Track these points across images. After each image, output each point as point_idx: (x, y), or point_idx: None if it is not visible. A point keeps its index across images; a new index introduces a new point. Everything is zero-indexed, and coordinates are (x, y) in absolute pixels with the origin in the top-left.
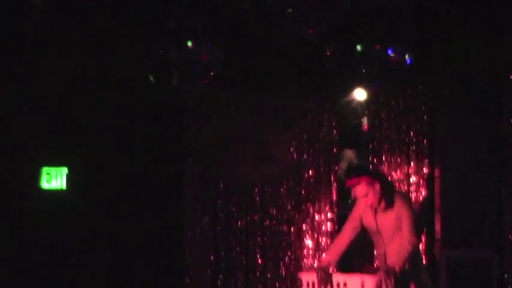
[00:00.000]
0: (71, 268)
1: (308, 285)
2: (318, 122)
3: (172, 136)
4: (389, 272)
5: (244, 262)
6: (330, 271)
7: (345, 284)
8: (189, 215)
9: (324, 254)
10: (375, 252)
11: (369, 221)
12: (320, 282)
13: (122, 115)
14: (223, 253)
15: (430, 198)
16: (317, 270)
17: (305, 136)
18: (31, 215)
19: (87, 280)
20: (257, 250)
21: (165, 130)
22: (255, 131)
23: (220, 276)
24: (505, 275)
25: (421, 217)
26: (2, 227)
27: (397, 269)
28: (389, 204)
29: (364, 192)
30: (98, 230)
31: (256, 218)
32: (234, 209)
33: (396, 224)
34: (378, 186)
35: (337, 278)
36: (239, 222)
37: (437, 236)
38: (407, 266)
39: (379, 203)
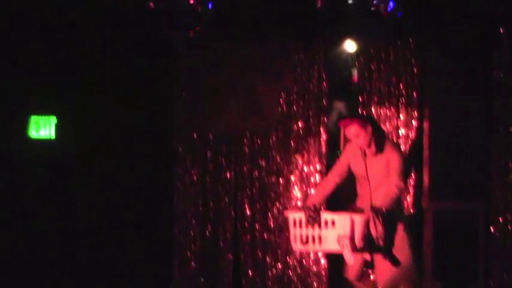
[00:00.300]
0: (60, 216)
1: (295, 223)
2: (307, 73)
3: (161, 87)
4: (377, 211)
5: (233, 213)
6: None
7: (333, 222)
8: (179, 165)
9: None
10: (358, 200)
11: (359, 166)
12: (308, 220)
13: (111, 65)
14: (212, 204)
15: (418, 150)
16: (304, 209)
17: (295, 87)
18: (19, 164)
19: (74, 225)
20: (246, 201)
21: (155, 81)
22: (245, 82)
23: (209, 226)
24: (491, 228)
25: (408, 165)
26: None
27: (384, 209)
28: (380, 149)
29: (356, 133)
30: (86, 178)
31: (245, 169)
32: (223, 160)
33: (385, 169)
34: (369, 128)
35: (326, 216)
36: (228, 173)
37: (425, 188)
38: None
39: (369, 146)
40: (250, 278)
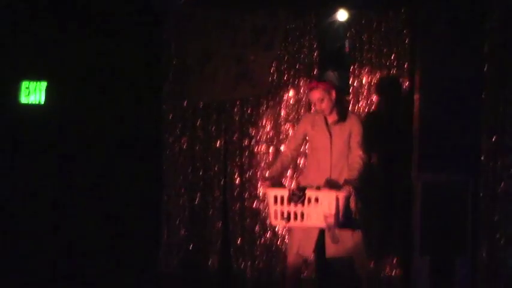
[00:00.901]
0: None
1: (276, 200)
2: (299, 42)
3: (152, 56)
4: (353, 184)
5: (222, 181)
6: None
7: (316, 200)
8: (168, 133)
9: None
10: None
11: (320, 135)
12: (292, 199)
13: (102, 32)
14: (201, 172)
15: (408, 121)
16: (289, 188)
17: (286, 57)
18: (9, 129)
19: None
20: (235, 170)
21: (145, 49)
22: (235, 51)
23: (198, 195)
24: (480, 200)
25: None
26: None
27: (357, 182)
28: (342, 117)
29: (321, 97)
30: (76, 143)
31: (235, 137)
32: (213, 128)
33: (347, 139)
34: (333, 94)
35: (310, 193)
36: (218, 142)
37: (414, 159)
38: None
39: (331, 113)
40: (238, 247)
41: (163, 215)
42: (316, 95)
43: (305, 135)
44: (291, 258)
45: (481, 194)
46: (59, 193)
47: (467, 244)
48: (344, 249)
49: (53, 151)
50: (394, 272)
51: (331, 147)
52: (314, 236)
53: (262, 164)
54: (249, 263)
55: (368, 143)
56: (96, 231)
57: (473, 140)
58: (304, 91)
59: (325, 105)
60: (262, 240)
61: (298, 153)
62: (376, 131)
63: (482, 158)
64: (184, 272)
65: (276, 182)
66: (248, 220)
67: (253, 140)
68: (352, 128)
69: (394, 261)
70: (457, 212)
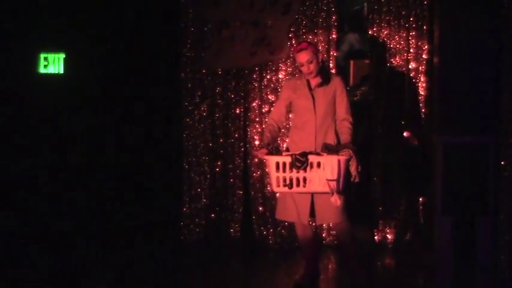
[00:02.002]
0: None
1: (278, 167)
2: (317, 6)
3: (170, 22)
4: (349, 147)
5: (243, 149)
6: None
7: (318, 165)
8: (188, 101)
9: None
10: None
11: (303, 99)
12: (294, 165)
13: (121, 3)
14: (221, 139)
15: (428, 84)
16: (291, 155)
17: (304, 21)
18: (28, 100)
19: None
20: (255, 136)
21: (163, 17)
22: (253, 16)
23: (219, 162)
24: (501, 162)
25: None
26: None
27: (352, 146)
28: (326, 80)
29: (309, 58)
30: (95, 113)
31: (254, 104)
32: (232, 95)
33: (331, 100)
34: (320, 57)
35: (312, 158)
36: (237, 109)
37: (435, 122)
38: None
39: (316, 75)
40: (260, 214)
41: (185, 184)
42: (305, 56)
43: (289, 102)
44: (298, 227)
45: (503, 155)
46: (73, 161)
47: (489, 205)
48: (331, 216)
49: (72, 119)
50: (416, 233)
51: (314, 110)
52: (307, 202)
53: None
54: (271, 230)
55: (389, 108)
56: (118, 201)
57: (494, 101)
58: (323, 56)
59: (313, 66)
60: None
61: (284, 121)
62: (396, 94)
63: (503, 120)
64: (207, 241)
65: (273, 148)
66: (269, 187)
67: (273, 106)
68: (336, 89)
69: (417, 223)
70: (478, 173)
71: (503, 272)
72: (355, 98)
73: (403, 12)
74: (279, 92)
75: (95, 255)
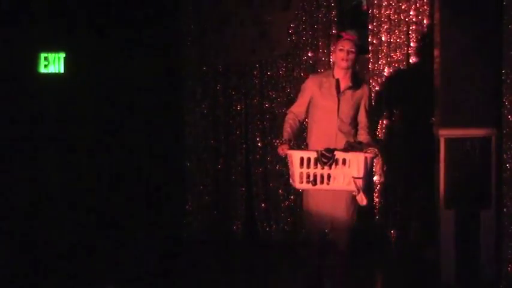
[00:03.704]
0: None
1: (302, 162)
2: (316, 2)
3: (170, 20)
4: (373, 145)
5: (244, 145)
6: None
7: (343, 162)
8: (189, 99)
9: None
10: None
11: (328, 98)
12: (320, 161)
13: (120, 1)
14: (223, 137)
15: (429, 77)
16: (317, 150)
17: (304, 17)
18: (29, 99)
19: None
20: (257, 133)
21: (164, 13)
22: (253, 12)
23: (221, 159)
24: (504, 154)
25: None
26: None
27: (375, 144)
28: (356, 85)
29: (352, 48)
30: (96, 111)
31: (255, 100)
32: (233, 92)
33: (355, 106)
34: (357, 53)
35: (338, 155)
36: (238, 106)
37: (437, 115)
38: None
39: (346, 73)
40: (263, 211)
41: (187, 181)
42: (349, 45)
43: (311, 97)
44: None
45: (504, 148)
46: (75, 159)
47: (492, 196)
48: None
49: (72, 119)
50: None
51: (338, 113)
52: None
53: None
54: (274, 227)
55: (390, 101)
56: (120, 199)
57: (496, 93)
58: (323, 51)
59: (351, 57)
60: (287, 203)
61: (305, 115)
62: (397, 88)
63: (504, 112)
64: (210, 238)
65: (294, 143)
66: (271, 183)
67: (274, 103)
68: (363, 96)
69: (420, 216)
70: (480, 166)
71: (506, 265)
72: None
73: (403, 7)
74: (279, 88)
75: (97, 254)
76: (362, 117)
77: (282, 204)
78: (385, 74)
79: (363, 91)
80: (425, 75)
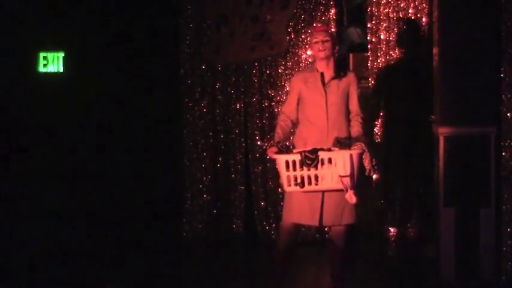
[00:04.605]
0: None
1: (288, 165)
2: (315, 0)
3: (168, 19)
4: (362, 140)
5: (244, 144)
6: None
7: (329, 161)
8: (188, 98)
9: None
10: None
11: (316, 92)
12: (304, 163)
13: (118, 3)
14: (222, 135)
15: (428, 76)
16: (300, 152)
17: (302, 15)
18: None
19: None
20: (256, 132)
21: (162, 12)
22: (251, 11)
23: (220, 158)
24: (503, 153)
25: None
26: None
27: (364, 138)
28: (340, 74)
29: (325, 37)
30: (95, 111)
31: (254, 99)
32: (232, 91)
33: (344, 95)
34: (336, 47)
35: (323, 155)
36: (237, 104)
37: (436, 113)
38: None
39: (328, 64)
40: (262, 209)
41: (186, 180)
42: (323, 35)
43: (299, 94)
44: (285, 233)
45: (504, 146)
46: (73, 159)
47: (491, 194)
48: (341, 217)
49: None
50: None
51: (326, 106)
52: (318, 205)
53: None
54: (274, 225)
55: (389, 99)
56: (119, 198)
57: (495, 92)
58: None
59: (328, 45)
60: None
61: (296, 114)
62: (396, 86)
63: (503, 110)
64: (209, 237)
65: (283, 146)
66: (271, 182)
67: (273, 101)
68: (351, 84)
69: (419, 215)
70: (480, 164)
71: (505, 263)
72: None
73: (402, 5)
74: (279, 86)
75: (97, 253)
76: (353, 105)
77: (282, 203)
78: (384, 72)
79: (349, 79)
80: (424, 74)
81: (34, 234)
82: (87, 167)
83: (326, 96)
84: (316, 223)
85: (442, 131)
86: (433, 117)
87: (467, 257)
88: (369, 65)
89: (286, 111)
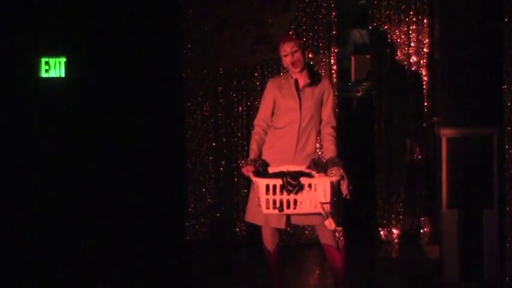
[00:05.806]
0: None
1: (268, 189)
2: (316, 3)
3: (170, 22)
4: (339, 164)
5: (246, 147)
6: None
7: (309, 186)
8: (190, 101)
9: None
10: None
11: (290, 97)
12: (286, 189)
13: (120, 5)
14: (224, 139)
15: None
16: (282, 177)
17: (304, 18)
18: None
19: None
20: None
21: (163, 16)
22: (253, 14)
23: (223, 162)
24: (505, 153)
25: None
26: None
27: (340, 162)
28: (315, 81)
29: (295, 47)
30: (97, 115)
31: (256, 102)
32: (234, 94)
33: (318, 102)
34: (306, 52)
35: (304, 181)
36: (240, 107)
37: (438, 114)
38: None
39: (302, 71)
40: None
41: (189, 184)
42: (290, 46)
43: (274, 102)
44: (265, 230)
45: (506, 147)
46: (77, 163)
47: (494, 196)
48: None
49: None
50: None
51: (300, 111)
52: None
53: None
54: None
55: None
56: (122, 202)
57: (497, 92)
58: (323, 53)
59: (298, 55)
60: None
61: (269, 128)
62: (398, 88)
63: (506, 111)
64: (212, 240)
65: (259, 165)
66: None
67: None
68: (325, 91)
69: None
70: (482, 165)
71: (509, 263)
72: (357, 94)
73: (403, 7)
74: None
75: (99, 256)
76: (325, 113)
77: None
78: (385, 74)
79: (323, 85)
80: (426, 75)
81: (34, 234)
82: (90, 171)
83: (300, 101)
84: (283, 226)
85: (445, 133)
86: (435, 118)
87: (471, 258)
88: (370, 67)
89: (260, 122)
